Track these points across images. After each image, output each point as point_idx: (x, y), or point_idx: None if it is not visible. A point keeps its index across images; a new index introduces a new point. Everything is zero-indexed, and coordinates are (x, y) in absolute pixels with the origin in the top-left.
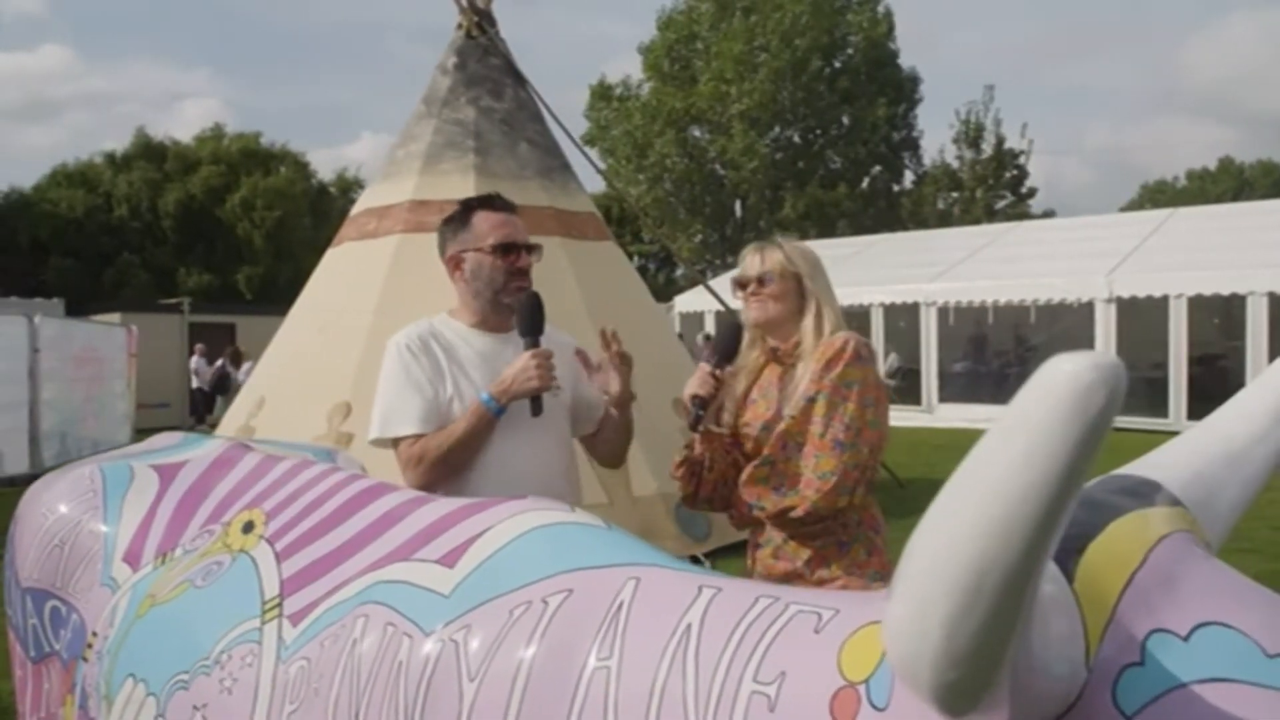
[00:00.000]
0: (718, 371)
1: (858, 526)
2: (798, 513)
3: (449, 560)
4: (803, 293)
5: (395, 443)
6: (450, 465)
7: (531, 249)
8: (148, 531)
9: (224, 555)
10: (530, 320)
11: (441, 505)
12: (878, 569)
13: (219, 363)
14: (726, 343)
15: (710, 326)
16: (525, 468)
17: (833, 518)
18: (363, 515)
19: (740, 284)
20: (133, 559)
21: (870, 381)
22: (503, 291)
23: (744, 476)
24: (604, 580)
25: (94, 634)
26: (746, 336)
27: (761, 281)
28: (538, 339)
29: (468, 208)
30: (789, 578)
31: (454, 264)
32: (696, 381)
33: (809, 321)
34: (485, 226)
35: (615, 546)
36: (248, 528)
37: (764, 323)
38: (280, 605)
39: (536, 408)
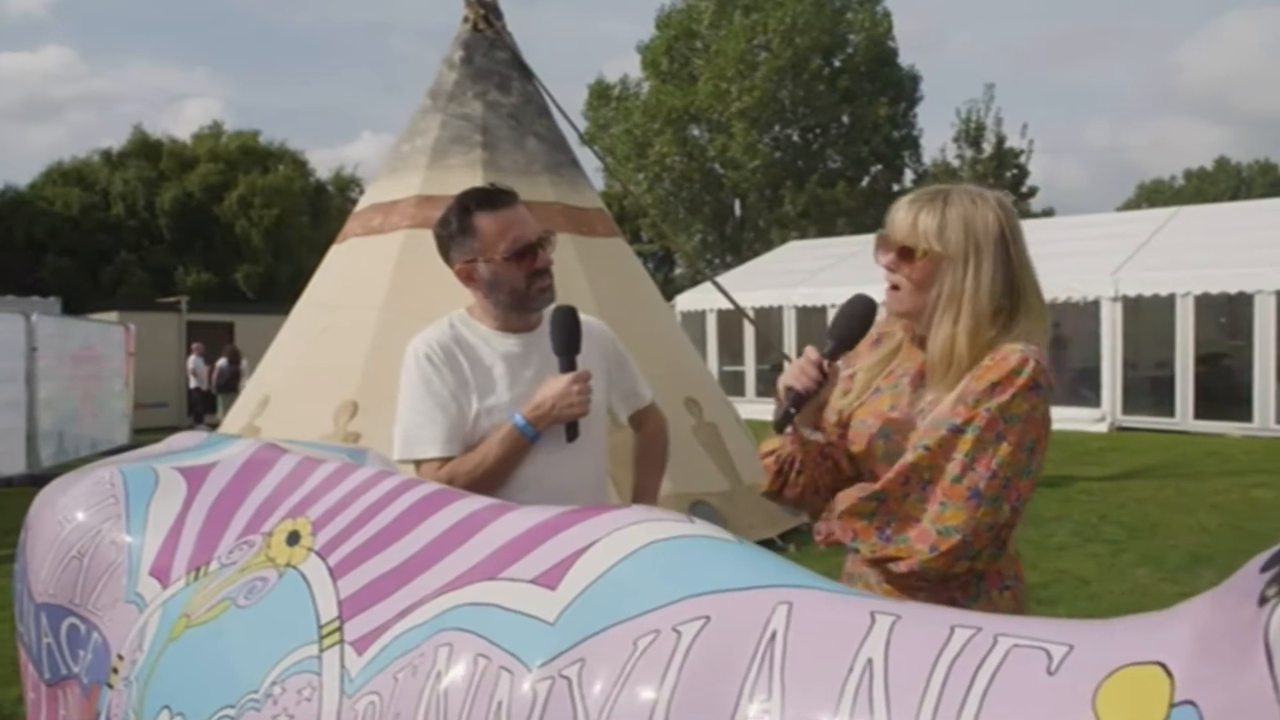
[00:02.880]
0: (827, 363)
1: (979, 583)
2: (900, 568)
3: (549, 580)
4: (947, 282)
5: (418, 464)
6: (481, 489)
7: (545, 242)
8: (177, 542)
9: (268, 570)
10: (565, 339)
11: (526, 515)
12: None
13: (221, 361)
14: (851, 325)
15: (712, 325)
16: (564, 483)
17: (945, 578)
18: (429, 526)
19: (883, 247)
20: (161, 573)
21: (1038, 417)
22: (527, 297)
23: (844, 505)
24: (747, 605)
25: (119, 657)
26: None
27: (904, 254)
28: (574, 359)
29: (464, 209)
30: None
31: (466, 276)
32: (796, 370)
33: (945, 327)
34: (492, 231)
35: (752, 564)
36: (293, 539)
37: (901, 315)
38: (340, 629)
39: (572, 433)
